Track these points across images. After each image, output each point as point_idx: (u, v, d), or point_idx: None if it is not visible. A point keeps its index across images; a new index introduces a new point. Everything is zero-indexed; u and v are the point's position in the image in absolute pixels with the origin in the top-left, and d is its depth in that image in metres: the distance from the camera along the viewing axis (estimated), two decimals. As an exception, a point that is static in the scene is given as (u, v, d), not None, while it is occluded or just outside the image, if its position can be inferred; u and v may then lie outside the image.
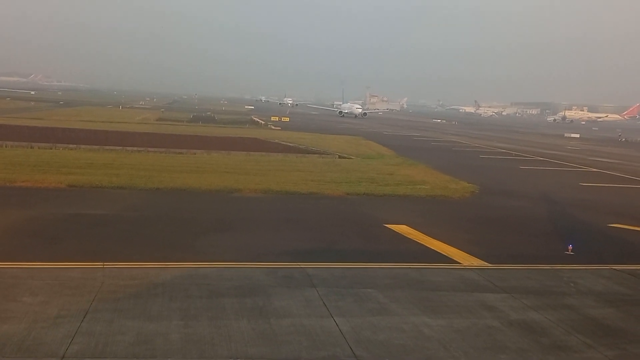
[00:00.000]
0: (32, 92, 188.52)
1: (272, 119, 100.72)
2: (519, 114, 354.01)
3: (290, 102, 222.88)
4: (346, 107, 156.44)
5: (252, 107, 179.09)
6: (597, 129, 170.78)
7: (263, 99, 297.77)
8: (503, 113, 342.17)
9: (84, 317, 10.89)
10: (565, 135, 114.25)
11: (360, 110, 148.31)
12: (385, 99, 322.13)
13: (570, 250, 18.64)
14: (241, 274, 14.24)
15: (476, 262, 16.93)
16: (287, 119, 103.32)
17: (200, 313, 11.49)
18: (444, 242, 18.90)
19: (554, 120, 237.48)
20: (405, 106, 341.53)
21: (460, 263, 16.78)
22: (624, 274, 16.50)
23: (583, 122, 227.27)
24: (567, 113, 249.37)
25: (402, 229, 20.67)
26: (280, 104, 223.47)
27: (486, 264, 16.86)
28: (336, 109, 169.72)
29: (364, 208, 24.77)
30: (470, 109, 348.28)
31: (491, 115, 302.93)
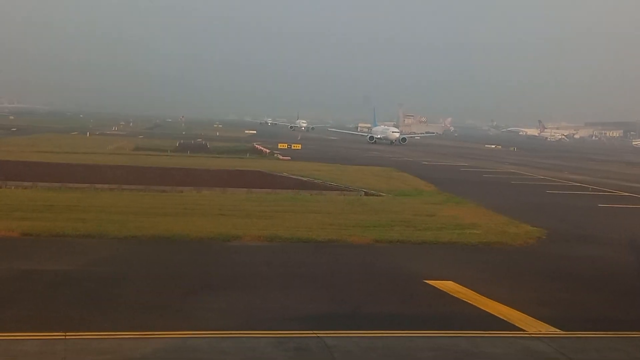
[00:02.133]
0: None
1: (280, 146, 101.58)
2: (595, 136, 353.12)
3: (304, 125, 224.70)
4: (379, 131, 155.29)
5: (254, 132, 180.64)
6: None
7: (269, 121, 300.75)
8: (575, 136, 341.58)
9: (41, 403, 10.88)
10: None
11: (397, 135, 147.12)
12: (423, 119, 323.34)
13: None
14: (242, 345, 14.19)
15: (545, 329, 16.72)
16: (299, 147, 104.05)
17: (189, 397, 11.43)
18: (502, 303, 18.70)
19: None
20: (451, 128, 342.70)
21: (524, 330, 16.59)
22: None
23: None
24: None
25: (448, 286, 20.52)
26: (291, 127, 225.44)
27: (558, 331, 16.65)
28: (362, 133, 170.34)
29: (398, 259, 24.66)
30: (533, 132, 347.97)
31: (560, 138, 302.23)
